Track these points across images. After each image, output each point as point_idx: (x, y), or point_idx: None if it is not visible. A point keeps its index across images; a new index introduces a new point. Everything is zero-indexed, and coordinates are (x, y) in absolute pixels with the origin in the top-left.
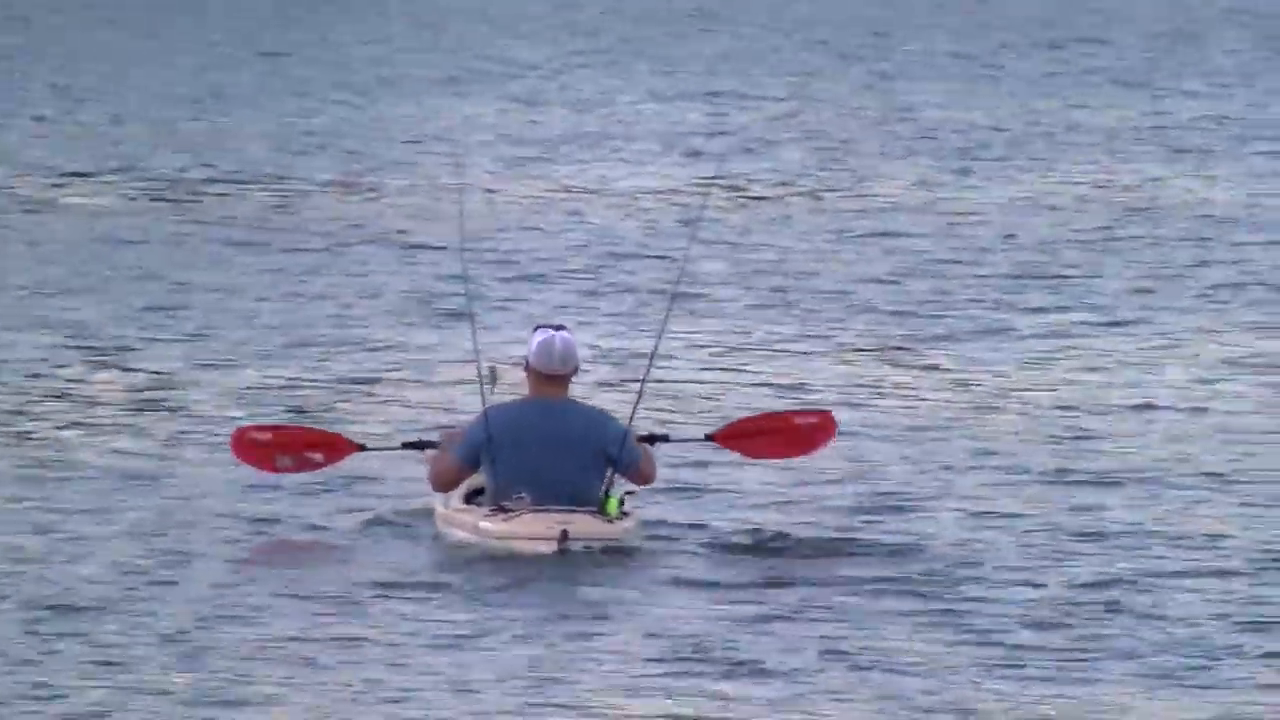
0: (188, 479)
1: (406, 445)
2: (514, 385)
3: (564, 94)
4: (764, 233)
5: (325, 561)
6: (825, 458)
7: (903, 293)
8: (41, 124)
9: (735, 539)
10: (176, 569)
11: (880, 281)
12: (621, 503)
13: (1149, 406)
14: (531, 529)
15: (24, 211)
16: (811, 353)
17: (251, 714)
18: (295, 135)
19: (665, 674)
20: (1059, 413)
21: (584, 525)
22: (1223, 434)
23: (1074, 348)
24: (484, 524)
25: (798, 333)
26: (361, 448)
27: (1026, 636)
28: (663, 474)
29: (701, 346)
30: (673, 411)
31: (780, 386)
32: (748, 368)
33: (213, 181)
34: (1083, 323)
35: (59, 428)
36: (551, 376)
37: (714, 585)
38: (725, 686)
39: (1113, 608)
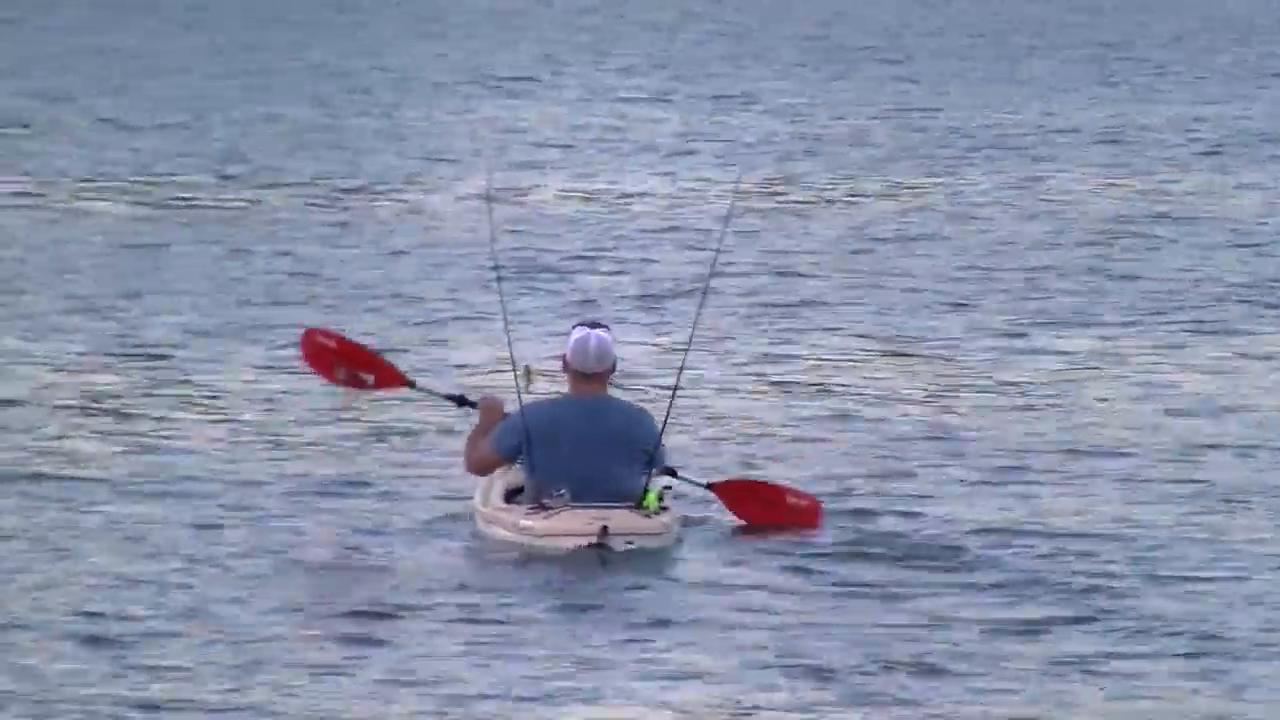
0: (222, 482)
1: (449, 398)
2: (552, 385)
3: (584, 96)
4: (784, 234)
5: (361, 565)
6: (852, 457)
7: (920, 295)
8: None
9: (771, 533)
10: (215, 573)
11: (899, 283)
12: (661, 497)
13: (1165, 408)
14: (571, 526)
15: (48, 222)
16: (830, 358)
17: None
18: (318, 138)
19: (705, 674)
20: (1083, 413)
21: (623, 520)
22: (1236, 435)
23: (1101, 351)
24: (524, 522)
25: (818, 334)
26: (412, 385)
27: (1077, 638)
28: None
29: (727, 355)
30: (701, 421)
31: (802, 385)
32: (769, 376)
33: (229, 180)
34: (1101, 323)
35: (93, 433)
36: (588, 374)
37: (755, 587)
38: (773, 684)
39: (1139, 611)
